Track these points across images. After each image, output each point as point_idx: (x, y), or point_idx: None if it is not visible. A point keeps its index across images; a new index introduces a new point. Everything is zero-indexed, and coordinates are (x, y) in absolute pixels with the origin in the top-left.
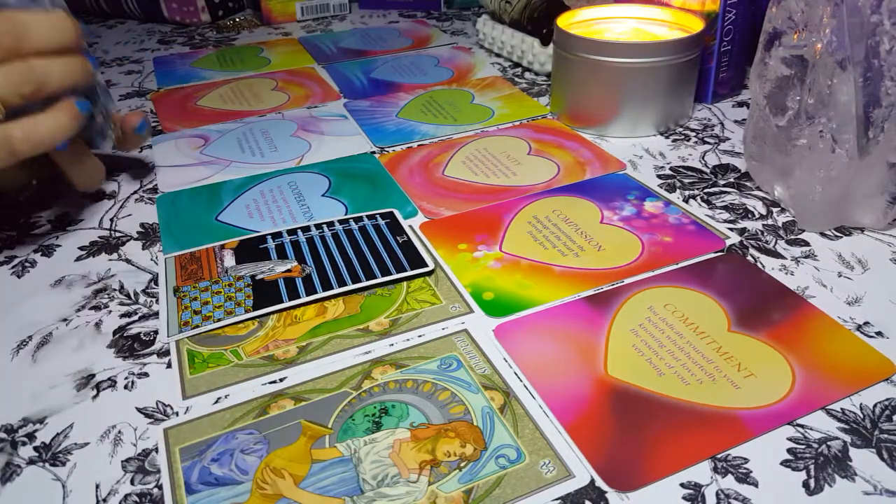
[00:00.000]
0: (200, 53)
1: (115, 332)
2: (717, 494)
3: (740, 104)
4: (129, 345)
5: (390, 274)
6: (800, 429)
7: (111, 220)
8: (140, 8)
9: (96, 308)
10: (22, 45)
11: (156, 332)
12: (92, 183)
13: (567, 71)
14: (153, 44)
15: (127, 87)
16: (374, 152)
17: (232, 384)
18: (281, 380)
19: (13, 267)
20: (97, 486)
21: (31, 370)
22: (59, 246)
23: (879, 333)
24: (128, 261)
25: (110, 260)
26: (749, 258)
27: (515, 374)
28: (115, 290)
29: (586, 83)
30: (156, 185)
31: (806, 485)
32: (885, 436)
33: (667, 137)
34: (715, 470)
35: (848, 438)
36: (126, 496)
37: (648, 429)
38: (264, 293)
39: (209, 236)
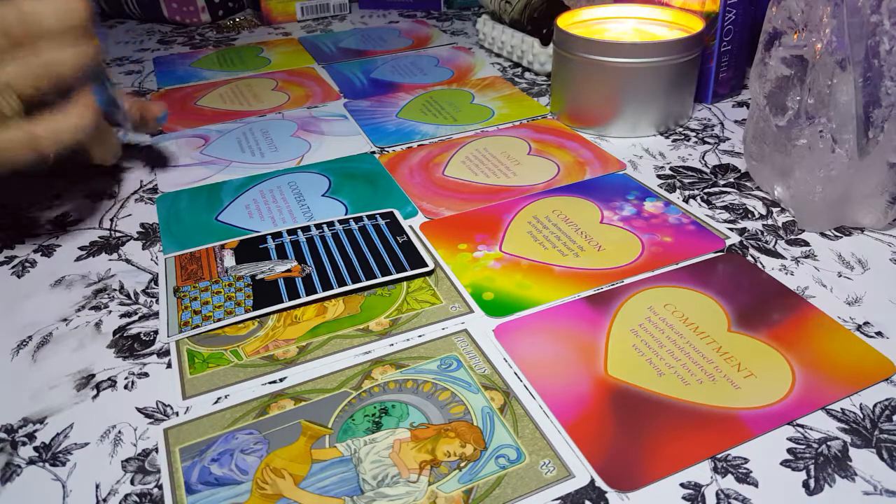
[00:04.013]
0: (200, 53)
1: (115, 332)
2: (717, 494)
3: (740, 104)
4: (129, 345)
5: (390, 274)
6: (800, 429)
7: (111, 220)
8: (140, 8)
9: (96, 308)
10: (32, 34)
11: (156, 332)
12: (108, 158)
13: (567, 71)
14: (153, 44)
15: (127, 87)
16: (374, 152)
17: (232, 384)
18: (281, 380)
19: (13, 267)
20: (97, 486)
21: (31, 370)
22: (59, 246)
23: (879, 333)
24: (128, 261)
25: (110, 260)
26: (749, 258)
27: (515, 374)
28: (115, 290)
29: (586, 83)
30: (156, 185)
31: (806, 485)
32: (885, 436)
33: (667, 137)
34: (715, 470)
35: (848, 438)
36: (126, 496)
37: (648, 429)
38: (264, 293)
39: (209, 236)
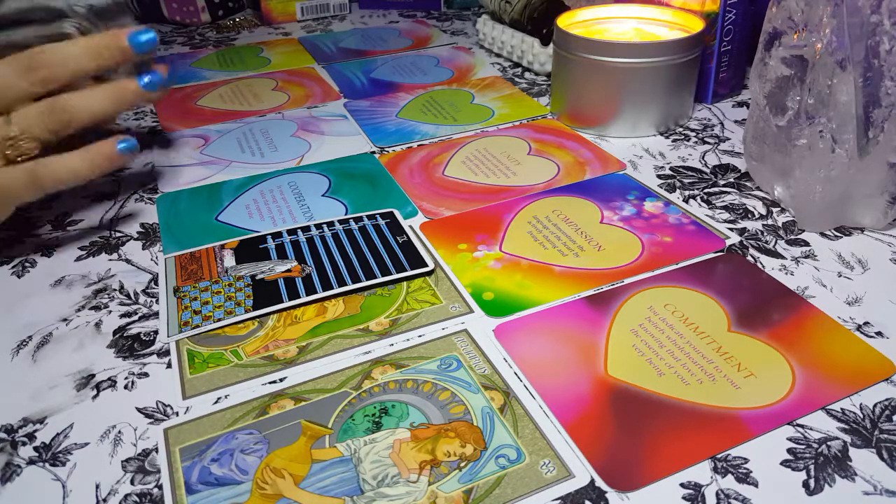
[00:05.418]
0: (200, 53)
1: (115, 332)
2: (717, 494)
3: (740, 104)
4: (129, 345)
5: (390, 274)
6: (800, 429)
7: (111, 220)
8: (140, 8)
9: (96, 308)
10: (55, 79)
11: (156, 332)
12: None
13: (567, 71)
14: None
15: None
16: (374, 152)
17: (232, 384)
18: (281, 380)
19: (13, 267)
20: (97, 486)
21: (31, 370)
22: (58, 246)
23: (879, 333)
24: (128, 261)
25: (110, 260)
26: (749, 258)
27: (515, 374)
28: (115, 290)
29: (586, 83)
30: (156, 185)
31: (806, 485)
32: (885, 436)
33: (667, 137)
34: (715, 470)
35: (848, 438)
36: (126, 496)
37: (648, 429)
38: (264, 293)
39: (209, 236)
